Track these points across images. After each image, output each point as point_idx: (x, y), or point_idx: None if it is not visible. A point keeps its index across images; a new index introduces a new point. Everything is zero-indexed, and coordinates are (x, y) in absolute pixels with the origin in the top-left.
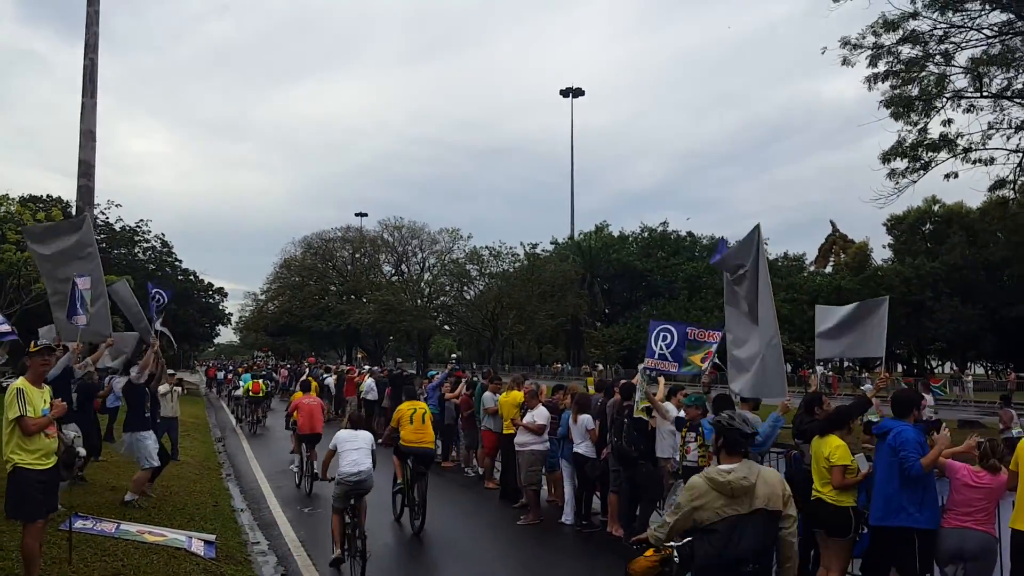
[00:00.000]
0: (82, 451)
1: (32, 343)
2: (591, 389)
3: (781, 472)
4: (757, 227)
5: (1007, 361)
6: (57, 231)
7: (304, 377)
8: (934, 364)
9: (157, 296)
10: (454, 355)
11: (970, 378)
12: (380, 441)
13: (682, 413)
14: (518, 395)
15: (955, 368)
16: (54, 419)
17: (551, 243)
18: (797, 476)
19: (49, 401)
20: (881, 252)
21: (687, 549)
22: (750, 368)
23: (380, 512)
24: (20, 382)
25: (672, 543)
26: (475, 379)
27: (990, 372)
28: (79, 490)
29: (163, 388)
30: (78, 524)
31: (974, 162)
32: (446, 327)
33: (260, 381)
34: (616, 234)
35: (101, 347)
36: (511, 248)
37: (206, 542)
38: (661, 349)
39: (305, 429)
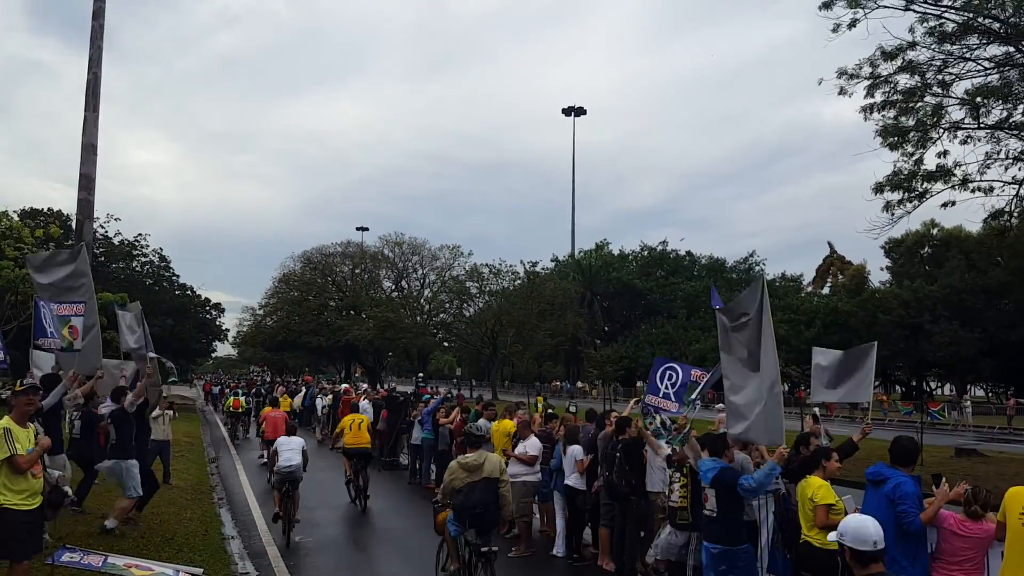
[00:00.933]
0: (68, 490)
1: (18, 382)
2: (539, 408)
3: (771, 510)
4: (762, 279)
5: (1007, 385)
6: (55, 260)
7: (278, 394)
8: (933, 387)
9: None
10: (420, 374)
11: (968, 403)
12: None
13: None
14: (510, 424)
15: (954, 390)
16: (41, 455)
17: (551, 260)
18: (787, 515)
19: (33, 440)
20: (879, 274)
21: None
22: (749, 415)
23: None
24: (5, 421)
25: (448, 501)
26: (449, 395)
27: (990, 395)
28: (71, 519)
29: (155, 412)
30: (65, 557)
31: (972, 191)
32: (445, 344)
33: (241, 399)
34: (616, 252)
35: (93, 379)
36: (511, 266)
37: (192, 575)
38: (666, 388)
39: (270, 435)
